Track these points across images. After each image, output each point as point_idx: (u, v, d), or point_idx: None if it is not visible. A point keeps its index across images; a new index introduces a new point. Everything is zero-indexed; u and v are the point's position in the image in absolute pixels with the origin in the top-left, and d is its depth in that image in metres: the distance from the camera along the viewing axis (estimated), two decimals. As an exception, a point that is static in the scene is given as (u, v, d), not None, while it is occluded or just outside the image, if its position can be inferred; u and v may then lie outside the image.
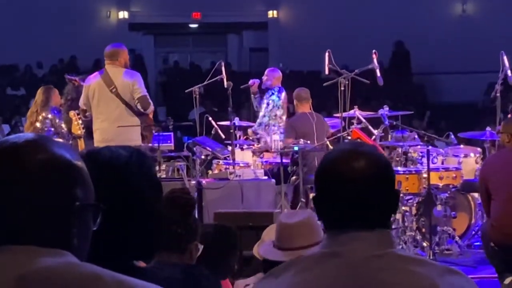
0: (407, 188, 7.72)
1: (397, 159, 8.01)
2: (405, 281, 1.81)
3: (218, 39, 25.14)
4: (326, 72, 9.06)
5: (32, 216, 1.38)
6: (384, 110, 8.52)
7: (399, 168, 7.85)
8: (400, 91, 18.33)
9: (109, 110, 7.91)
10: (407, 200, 7.86)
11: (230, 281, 4.19)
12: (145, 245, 1.90)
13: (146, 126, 7.93)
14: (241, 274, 5.52)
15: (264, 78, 9.87)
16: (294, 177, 8.76)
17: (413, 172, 7.81)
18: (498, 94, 8.65)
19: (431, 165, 7.85)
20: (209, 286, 2.70)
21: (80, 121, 7.72)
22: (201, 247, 2.96)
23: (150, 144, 7.88)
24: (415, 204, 7.92)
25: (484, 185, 6.45)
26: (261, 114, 9.74)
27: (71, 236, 1.42)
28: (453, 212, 7.92)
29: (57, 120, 8.97)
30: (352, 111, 8.62)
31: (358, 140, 8.05)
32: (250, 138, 9.68)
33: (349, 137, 8.16)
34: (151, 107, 8.03)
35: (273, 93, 9.72)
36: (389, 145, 8.35)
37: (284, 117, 9.75)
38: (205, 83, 9.28)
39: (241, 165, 8.63)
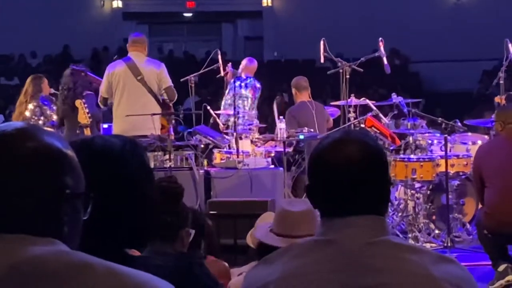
0: (421, 175, 7.74)
1: (406, 147, 8.04)
2: (399, 269, 1.81)
3: (212, 28, 25.11)
4: (322, 60, 9.06)
5: (22, 205, 1.38)
6: (398, 98, 8.49)
7: (412, 156, 7.88)
8: (394, 79, 18.32)
9: (135, 98, 7.90)
10: (420, 187, 7.89)
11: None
12: (138, 233, 1.90)
13: (167, 117, 7.95)
14: (236, 262, 5.53)
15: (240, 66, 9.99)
16: (294, 167, 8.72)
17: (427, 159, 7.83)
18: (501, 82, 8.64)
19: (441, 153, 7.91)
20: (201, 274, 2.70)
21: (87, 110, 7.70)
22: (192, 232, 2.96)
23: (158, 134, 7.90)
24: (429, 192, 7.95)
25: (478, 173, 6.47)
26: (227, 102, 9.70)
27: (61, 224, 1.42)
28: (462, 200, 7.96)
29: (47, 110, 8.93)
30: (349, 99, 8.61)
31: (373, 127, 8.05)
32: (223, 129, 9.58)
33: (363, 125, 8.15)
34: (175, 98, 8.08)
35: (242, 83, 9.75)
36: (398, 132, 8.36)
37: (253, 107, 9.80)
38: (201, 71, 9.26)
39: (242, 154, 8.60)
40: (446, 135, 7.72)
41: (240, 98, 9.74)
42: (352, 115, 8.48)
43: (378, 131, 8.06)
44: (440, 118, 8.01)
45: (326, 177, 1.90)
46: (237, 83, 9.77)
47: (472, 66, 20.32)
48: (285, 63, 22.03)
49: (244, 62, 10.09)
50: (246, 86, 9.80)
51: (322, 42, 8.77)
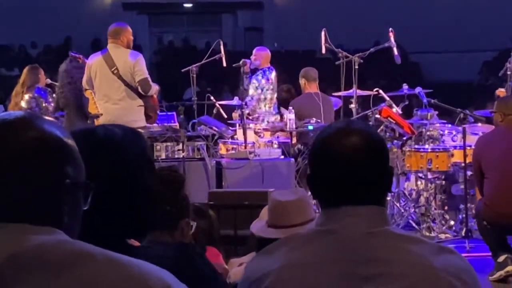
0: (437, 166, 7.74)
1: (419, 138, 8.04)
2: (400, 259, 1.81)
3: (212, 18, 25.09)
4: (323, 51, 9.03)
5: (23, 194, 1.38)
6: (418, 89, 8.46)
7: (427, 146, 7.88)
8: (394, 70, 18.30)
9: (112, 91, 7.87)
10: (434, 178, 7.89)
11: (223, 259, 4.21)
12: (138, 223, 1.90)
13: (151, 107, 7.92)
14: (236, 253, 5.54)
15: (253, 58, 9.67)
16: (300, 158, 8.67)
17: (442, 150, 7.82)
18: (509, 73, 8.66)
19: (453, 143, 7.92)
20: (202, 264, 2.70)
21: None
22: (194, 224, 2.95)
23: (169, 124, 7.90)
24: (443, 183, 7.96)
25: (477, 164, 6.47)
26: (249, 95, 9.61)
27: (62, 214, 1.42)
28: (472, 190, 7.96)
29: (42, 100, 8.92)
30: (351, 90, 8.59)
31: (389, 118, 8.03)
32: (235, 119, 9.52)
33: (378, 116, 8.12)
34: (154, 89, 7.99)
35: (262, 75, 9.59)
36: (410, 123, 8.35)
37: (274, 96, 9.67)
38: (202, 62, 9.23)
39: (251, 144, 8.56)
40: (464, 126, 7.71)
41: (267, 92, 9.60)
42: (353, 106, 8.46)
43: (394, 122, 8.05)
44: (458, 109, 8.01)
45: (330, 167, 1.90)
46: (262, 81, 9.59)
47: (472, 57, 20.30)
48: (285, 54, 22.00)
49: (260, 52, 9.82)
50: (267, 81, 9.66)
51: (323, 33, 8.75)
